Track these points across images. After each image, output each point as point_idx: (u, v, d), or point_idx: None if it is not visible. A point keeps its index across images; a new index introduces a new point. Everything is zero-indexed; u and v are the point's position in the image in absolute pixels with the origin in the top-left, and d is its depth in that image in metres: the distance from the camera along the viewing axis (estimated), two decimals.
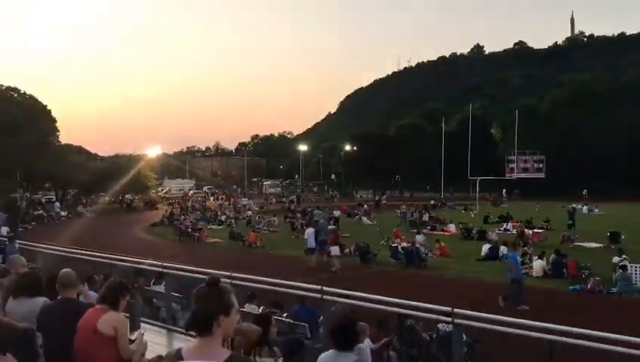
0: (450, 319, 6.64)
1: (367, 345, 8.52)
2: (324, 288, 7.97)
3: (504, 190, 78.31)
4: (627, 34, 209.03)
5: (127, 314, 6.42)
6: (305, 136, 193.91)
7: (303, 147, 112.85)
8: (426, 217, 41.64)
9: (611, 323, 13.10)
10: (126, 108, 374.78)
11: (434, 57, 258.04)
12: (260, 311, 9.93)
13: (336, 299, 8.13)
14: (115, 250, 18.05)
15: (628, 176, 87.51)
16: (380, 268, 22.81)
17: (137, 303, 8.41)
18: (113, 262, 12.19)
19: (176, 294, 10.62)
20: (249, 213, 50.60)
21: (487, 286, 18.70)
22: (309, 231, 24.65)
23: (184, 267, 10.86)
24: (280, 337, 6.37)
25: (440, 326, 9.11)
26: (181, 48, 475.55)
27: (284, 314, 10.55)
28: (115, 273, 10.77)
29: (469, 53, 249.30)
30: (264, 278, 9.66)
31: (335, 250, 23.98)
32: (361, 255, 24.48)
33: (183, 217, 43.07)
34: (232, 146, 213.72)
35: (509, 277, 16.73)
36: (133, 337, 5.24)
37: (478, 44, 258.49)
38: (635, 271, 17.94)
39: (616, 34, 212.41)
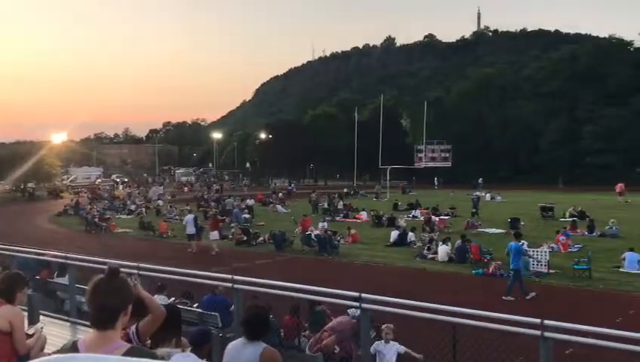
0: (357, 304, 6.84)
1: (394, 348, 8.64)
2: (235, 277, 7.98)
3: (435, 178, 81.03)
4: (528, 30, 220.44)
5: (26, 308, 6.17)
6: (219, 124, 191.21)
7: (217, 135, 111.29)
8: (340, 205, 42.28)
9: (508, 305, 13.98)
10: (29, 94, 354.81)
11: (347, 48, 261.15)
12: (171, 301, 9.82)
13: (246, 287, 8.17)
14: (15, 241, 17.17)
15: (528, 165, 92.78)
16: (293, 256, 23.02)
17: (36, 296, 8.07)
18: (11, 253, 11.60)
19: (82, 286, 10.28)
20: (160, 202, 49.40)
21: (395, 271, 19.32)
22: (189, 218, 25.91)
23: (89, 258, 10.51)
24: (190, 327, 6.34)
25: (350, 311, 9.36)
26: (88, 32, 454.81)
27: (195, 304, 10.47)
28: (13, 265, 10.27)
29: (381, 44, 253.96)
30: (173, 268, 9.53)
31: (214, 234, 24.46)
32: (276, 243, 24.60)
33: (89, 206, 41.48)
34: (142, 133, 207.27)
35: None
36: (31, 332, 5.05)
37: (390, 35, 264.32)
38: (533, 255, 19.11)
39: (518, 30, 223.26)
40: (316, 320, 10.21)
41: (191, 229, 25.23)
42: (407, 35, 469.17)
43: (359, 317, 7.82)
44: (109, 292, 2.70)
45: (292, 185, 61.21)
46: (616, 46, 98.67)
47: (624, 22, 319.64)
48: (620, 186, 48.18)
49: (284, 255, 23.28)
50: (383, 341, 8.34)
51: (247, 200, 43.80)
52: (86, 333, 2.88)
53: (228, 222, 33.59)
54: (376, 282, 16.44)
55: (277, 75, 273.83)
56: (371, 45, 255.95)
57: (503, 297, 15.22)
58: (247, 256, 22.69)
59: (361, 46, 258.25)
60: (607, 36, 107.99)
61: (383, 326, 8.17)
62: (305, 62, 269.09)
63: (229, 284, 8.03)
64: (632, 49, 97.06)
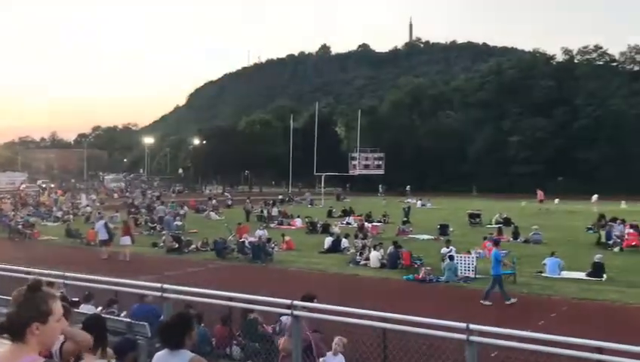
0: (290, 311, 6.84)
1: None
2: (165, 286, 7.82)
3: (380, 185, 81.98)
4: (458, 42, 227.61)
5: None
6: (151, 129, 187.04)
7: (148, 140, 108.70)
8: (274, 212, 42.18)
9: (438, 309, 14.29)
10: None
11: (283, 55, 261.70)
12: (98, 311, 9.51)
13: (177, 296, 8.03)
14: None
15: (456, 173, 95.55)
16: (227, 264, 22.78)
17: None
18: None
19: (4, 297, 9.80)
20: (88, 208, 47.80)
21: (329, 278, 19.44)
22: (99, 224, 25.62)
23: (9, 267, 10.04)
24: (116, 337, 6.17)
25: (283, 318, 9.34)
26: (12, 28, 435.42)
27: (123, 313, 10.19)
28: None
29: (316, 52, 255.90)
30: (101, 277, 9.24)
31: (125, 239, 24.33)
32: (217, 250, 24.31)
33: (13, 213, 39.67)
34: (71, 137, 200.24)
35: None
36: None
37: (325, 44, 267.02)
38: (461, 261, 19.69)
39: (449, 42, 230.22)
40: (248, 328, 10.13)
41: (103, 235, 24.98)
42: (342, 43, 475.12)
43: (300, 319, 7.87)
44: (22, 304, 2.62)
45: (229, 196, 59.19)
46: (540, 60, 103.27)
47: (547, 36, 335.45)
48: (540, 194, 50.33)
49: (218, 262, 23.00)
50: (331, 352, 8.22)
51: (178, 208, 43.03)
52: (2, 345, 2.76)
53: (159, 230, 32.95)
54: (310, 289, 16.47)
55: (211, 80, 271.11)
56: (307, 53, 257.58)
57: (481, 301, 15.54)
58: (179, 264, 22.28)
59: (296, 53, 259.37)
60: (531, 50, 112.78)
61: (336, 339, 8.11)
62: (240, 68, 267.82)
63: (159, 293, 7.85)
64: (554, 63, 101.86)
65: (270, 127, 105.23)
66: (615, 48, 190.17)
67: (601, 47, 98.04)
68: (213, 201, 51.43)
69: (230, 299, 8.12)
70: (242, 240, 24.69)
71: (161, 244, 27.11)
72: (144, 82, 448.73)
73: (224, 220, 39.68)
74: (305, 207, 56.04)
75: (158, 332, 4.56)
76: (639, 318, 13.99)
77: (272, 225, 36.70)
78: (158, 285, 7.93)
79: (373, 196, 68.93)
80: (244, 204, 45.07)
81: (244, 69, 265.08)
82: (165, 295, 7.71)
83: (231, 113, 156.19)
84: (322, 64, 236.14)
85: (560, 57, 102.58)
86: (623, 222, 29.36)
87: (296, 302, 6.69)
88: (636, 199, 63.83)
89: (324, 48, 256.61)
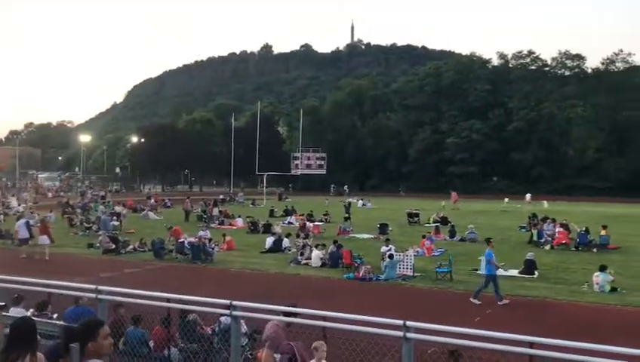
0: (229, 311, 6.77)
1: None
2: (100, 287, 7.60)
3: (332, 185, 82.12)
4: (398, 45, 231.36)
5: None
6: (87, 126, 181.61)
7: (84, 138, 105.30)
8: (215, 211, 41.70)
9: (377, 307, 14.48)
10: None
11: (225, 53, 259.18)
12: (29, 313, 9.16)
13: (112, 298, 7.82)
14: None
15: (396, 173, 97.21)
16: (165, 264, 22.36)
17: None
18: None
19: None
20: (21, 208, 45.88)
21: (270, 278, 19.38)
22: (20, 223, 25.04)
23: None
24: (48, 341, 5.96)
25: (222, 318, 9.24)
26: None
27: (55, 316, 9.85)
28: None
29: (259, 51, 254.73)
30: (32, 279, 8.89)
31: (44, 239, 23.95)
32: (155, 251, 23.78)
33: None
34: (1, 134, 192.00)
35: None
36: None
37: (267, 43, 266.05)
38: (400, 259, 20.00)
39: (389, 44, 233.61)
40: (187, 330, 9.98)
41: (23, 234, 24.44)
42: (284, 43, 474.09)
43: (278, 322, 7.76)
44: None
45: (169, 201, 56.99)
46: (476, 63, 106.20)
47: (483, 40, 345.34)
48: (454, 195, 51.63)
49: (156, 263, 22.54)
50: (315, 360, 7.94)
51: (116, 207, 41.91)
52: None
53: (95, 230, 31.99)
54: (251, 289, 16.42)
55: (151, 77, 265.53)
56: (249, 52, 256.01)
57: (471, 299, 15.68)
58: (116, 265, 21.71)
59: (238, 52, 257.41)
60: (468, 54, 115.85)
61: (316, 344, 7.84)
62: (181, 66, 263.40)
63: (93, 295, 7.62)
64: (490, 67, 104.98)
65: (211, 126, 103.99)
66: (547, 54, 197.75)
67: (534, 52, 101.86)
68: (152, 201, 50.40)
69: (168, 300, 7.96)
70: (181, 240, 24.28)
71: (97, 245, 26.36)
72: (80, 78, 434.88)
73: (163, 220, 38.96)
74: (246, 206, 55.69)
75: (62, 340, 4.39)
76: (569, 313, 14.58)
77: (212, 225, 36.29)
78: (93, 286, 7.69)
79: (319, 196, 69.17)
80: (183, 203, 44.33)
81: (185, 66, 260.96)
82: (100, 296, 7.49)
83: (171, 111, 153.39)
84: (264, 63, 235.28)
85: (495, 61, 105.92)
86: (554, 221, 30.57)
87: (235, 303, 6.63)
88: (565, 199, 66.80)
89: (266, 47, 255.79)
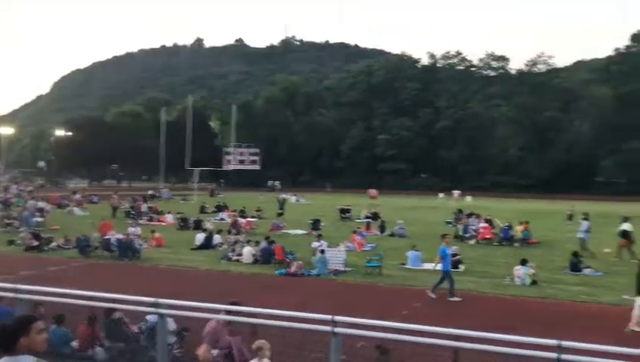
0: (154, 309, 6.66)
1: None
2: (19, 286, 7.30)
3: (277, 181, 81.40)
4: (331, 42, 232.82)
5: None
6: (9, 118, 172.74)
7: (6, 130, 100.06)
8: (144, 208, 40.72)
9: (307, 302, 14.54)
10: None
11: (156, 45, 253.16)
12: None
13: (33, 297, 7.52)
14: None
15: (329, 170, 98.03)
16: (91, 262, 21.65)
17: None
18: None
19: None
20: None
21: (200, 275, 19.13)
22: None
23: None
24: None
25: (149, 317, 9.07)
26: None
27: None
28: None
29: (191, 45, 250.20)
30: None
31: None
32: (80, 248, 22.93)
33: None
34: None
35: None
36: None
37: (199, 37, 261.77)
38: (331, 254, 20.18)
39: (323, 41, 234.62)
40: (113, 328, 9.73)
41: None
42: (217, 37, 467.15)
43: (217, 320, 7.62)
44: None
45: (96, 197, 54.54)
46: (406, 63, 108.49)
47: (414, 40, 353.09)
48: (372, 192, 52.44)
49: (81, 261, 21.79)
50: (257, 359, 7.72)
51: (39, 203, 40.18)
52: None
53: (17, 226, 30.59)
54: (179, 286, 16.16)
55: (79, 69, 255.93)
56: (180, 45, 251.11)
57: (448, 298, 15.71)
58: (39, 263, 20.82)
59: (170, 44, 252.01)
60: (399, 53, 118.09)
61: (259, 343, 7.67)
62: (110, 57, 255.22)
63: (12, 294, 7.31)
64: (419, 66, 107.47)
65: (141, 119, 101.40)
66: (474, 55, 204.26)
67: (461, 53, 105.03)
68: (77, 196, 48.67)
69: (91, 298, 7.74)
70: (107, 237, 23.57)
71: (19, 242, 25.20)
72: (2, 68, 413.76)
73: (89, 216, 37.73)
74: (177, 202, 54.70)
75: None
76: (492, 306, 15.13)
77: (141, 222, 35.42)
78: (11, 286, 7.38)
79: (252, 191, 68.83)
80: (109, 199, 43.02)
81: (115, 58, 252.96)
82: (20, 296, 7.19)
83: (99, 103, 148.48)
84: (196, 57, 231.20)
85: (425, 61, 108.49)
86: (478, 216, 31.68)
87: (161, 300, 6.52)
88: (487, 195, 69.38)
89: (199, 41, 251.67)
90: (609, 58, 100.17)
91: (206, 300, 7.68)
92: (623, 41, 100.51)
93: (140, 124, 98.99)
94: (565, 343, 5.57)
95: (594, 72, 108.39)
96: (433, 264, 20.59)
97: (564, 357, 5.54)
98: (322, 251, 19.74)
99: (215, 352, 8.05)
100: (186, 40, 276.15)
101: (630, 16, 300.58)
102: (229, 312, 7.53)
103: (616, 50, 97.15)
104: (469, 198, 59.56)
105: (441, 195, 63.47)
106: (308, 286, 17.54)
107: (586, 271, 19.78)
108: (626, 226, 23.93)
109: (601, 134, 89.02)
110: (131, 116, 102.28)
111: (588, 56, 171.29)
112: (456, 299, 15.54)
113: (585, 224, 24.84)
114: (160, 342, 6.61)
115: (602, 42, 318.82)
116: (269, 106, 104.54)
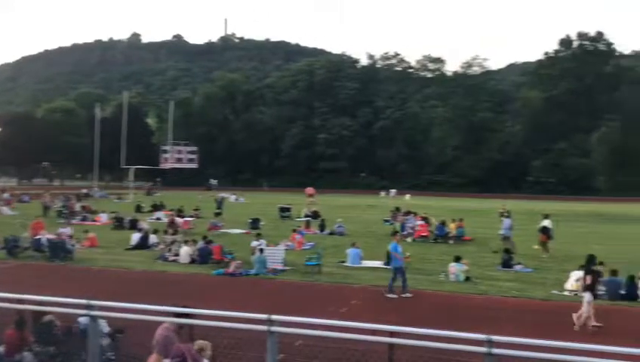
0: (87, 311, 6.47)
1: None
2: None
3: (214, 180, 79.95)
4: (272, 40, 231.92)
5: None
6: None
7: None
8: (77, 207, 39.44)
9: (244, 302, 14.49)
10: None
11: (90, 40, 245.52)
12: None
13: None
14: None
15: (269, 168, 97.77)
16: (20, 263, 20.80)
17: None
18: None
19: None
20: None
21: (135, 276, 18.71)
22: None
23: None
24: None
25: (80, 319, 8.80)
26: None
27: None
28: None
29: (127, 39, 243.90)
30: None
31: None
32: (8, 249, 21.95)
33: None
34: None
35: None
36: None
37: (136, 31, 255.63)
38: (271, 253, 20.15)
39: (263, 39, 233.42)
40: (43, 332, 9.39)
41: None
42: (155, 32, 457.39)
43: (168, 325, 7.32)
44: None
45: (26, 196, 51.34)
46: (346, 63, 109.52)
47: (354, 41, 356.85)
48: (309, 190, 52.32)
49: (9, 262, 20.90)
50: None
51: None
52: None
53: None
54: (114, 287, 15.77)
55: (7, 63, 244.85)
56: (116, 39, 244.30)
57: (402, 295, 15.79)
58: None
59: (105, 39, 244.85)
60: (339, 53, 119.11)
61: (202, 344, 7.45)
62: (41, 51, 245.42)
63: None
64: (359, 66, 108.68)
65: (73, 116, 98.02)
66: (412, 56, 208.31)
67: (399, 55, 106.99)
68: (5, 195, 46.63)
69: (20, 301, 7.44)
70: (38, 237, 22.71)
71: None
72: None
73: (18, 215, 36.24)
74: (111, 201, 53.27)
75: None
76: (427, 302, 15.49)
77: (74, 221, 34.33)
78: None
79: (190, 190, 67.88)
80: (41, 198, 41.45)
81: (47, 52, 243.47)
82: None
83: (29, 99, 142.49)
84: (133, 52, 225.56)
85: (364, 62, 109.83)
86: (415, 214, 32.34)
87: (93, 302, 6.34)
88: (425, 194, 70.98)
89: (135, 36, 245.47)
90: (539, 62, 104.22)
91: (141, 301, 7.51)
92: (552, 46, 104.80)
93: (72, 121, 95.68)
94: (495, 337, 5.74)
95: (525, 75, 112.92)
96: (371, 261, 21.02)
97: (494, 351, 5.71)
98: (261, 250, 19.68)
99: None
100: (122, 35, 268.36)
101: (559, 22, 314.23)
102: (177, 316, 7.30)
103: (546, 54, 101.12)
104: (408, 197, 60.86)
105: (382, 194, 64.59)
106: (246, 285, 17.45)
107: (517, 267, 20.52)
108: (545, 223, 25.01)
109: (532, 135, 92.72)
110: (63, 112, 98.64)
111: (520, 59, 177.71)
112: (392, 295, 15.81)
113: (507, 222, 25.76)
114: (91, 345, 6.43)
115: (534, 46, 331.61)
116: (208, 104, 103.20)
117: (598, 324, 12.65)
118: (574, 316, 13.05)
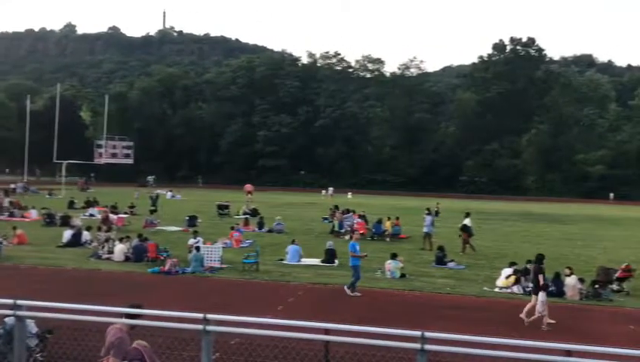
0: (12, 312, 6.26)
1: None
2: None
3: (150, 177, 77.78)
4: (211, 35, 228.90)
5: None
6: None
7: None
8: (6, 202, 37.78)
9: (180, 301, 14.31)
10: None
11: (21, 29, 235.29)
12: None
13: None
14: None
15: (208, 164, 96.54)
16: None
17: None
18: None
19: None
20: None
21: (67, 274, 18.16)
22: None
23: None
24: None
25: (7, 319, 8.50)
26: None
27: None
28: None
29: (60, 30, 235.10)
30: None
31: None
32: None
33: None
34: None
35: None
36: None
37: (70, 22, 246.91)
38: (207, 251, 19.94)
39: (202, 34, 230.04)
40: None
41: None
42: (90, 23, 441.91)
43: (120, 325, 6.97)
44: None
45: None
46: (287, 60, 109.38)
47: (295, 39, 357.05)
48: (248, 187, 51.93)
49: None
50: None
51: None
52: None
53: None
54: (43, 286, 15.26)
55: None
56: (49, 29, 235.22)
57: (350, 293, 15.71)
58: None
59: (37, 29, 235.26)
60: (280, 50, 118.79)
61: (139, 343, 7.14)
62: None
63: None
64: (300, 65, 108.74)
65: (3, 108, 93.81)
66: (351, 56, 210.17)
67: (339, 54, 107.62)
68: None
69: None
70: None
71: None
72: None
73: None
74: (43, 196, 51.32)
75: None
76: (364, 299, 15.64)
77: (1, 217, 32.95)
78: None
79: (127, 186, 66.24)
80: None
81: None
82: None
83: None
84: (67, 43, 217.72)
85: (305, 60, 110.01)
86: (353, 212, 32.74)
87: (20, 302, 6.14)
88: (363, 192, 71.95)
89: (70, 26, 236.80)
90: (474, 65, 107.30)
91: (73, 301, 7.33)
92: (486, 50, 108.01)
93: (1, 113, 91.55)
94: (428, 334, 5.92)
95: (460, 78, 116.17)
96: (310, 259, 21.17)
97: (427, 347, 5.88)
98: (197, 248, 19.48)
99: None
100: (56, 25, 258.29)
101: (493, 26, 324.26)
102: (132, 315, 6.99)
103: (481, 57, 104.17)
104: (350, 195, 61.78)
105: (323, 192, 65.19)
106: (182, 284, 17.23)
107: (451, 264, 21.13)
108: (466, 221, 25.92)
109: (466, 136, 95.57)
110: None
111: (456, 62, 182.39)
112: (357, 293, 15.83)
113: (428, 219, 26.50)
114: (17, 346, 6.23)
115: (469, 50, 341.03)
116: (145, 98, 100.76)
117: (552, 321, 13.14)
118: (524, 311, 13.48)
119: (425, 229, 26.08)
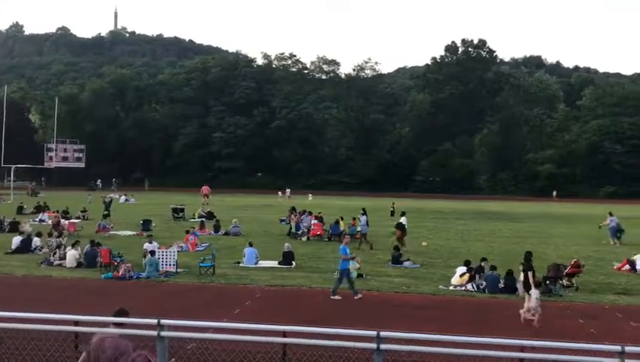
0: None
1: None
2: None
3: (99, 180, 75.79)
4: (164, 36, 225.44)
5: None
6: None
7: None
8: None
9: (133, 306, 14.07)
10: None
11: None
12: None
13: None
14: None
15: (161, 167, 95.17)
16: None
17: None
18: None
19: None
20: None
21: (15, 281, 17.63)
22: None
23: None
24: None
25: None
26: None
27: None
28: None
29: (7, 30, 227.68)
30: None
31: None
32: None
33: None
34: None
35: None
36: None
37: (17, 22, 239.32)
38: (163, 255, 19.64)
39: (155, 34, 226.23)
40: None
41: None
42: (38, 23, 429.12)
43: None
44: None
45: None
46: (242, 61, 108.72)
47: (249, 40, 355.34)
48: (205, 189, 51.49)
49: None
50: None
51: None
52: None
53: None
54: None
55: None
56: None
57: (331, 296, 15.53)
58: None
59: None
60: (234, 51, 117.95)
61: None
62: None
63: None
64: (255, 66, 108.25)
65: None
66: (307, 57, 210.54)
67: (295, 55, 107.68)
68: None
69: None
70: None
71: None
72: None
73: None
74: None
75: None
76: (322, 300, 15.73)
77: None
78: None
79: (79, 190, 64.57)
80: None
81: None
82: None
83: None
84: (13, 44, 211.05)
85: (260, 61, 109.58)
86: (310, 213, 32.82)
87: None
88: (320, 193, 72.14)
89: (17, 26, 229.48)
90: (427, 66, 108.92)
91: (22, 309, 7.14)
92: (439, 51, 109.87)
93: None
94: (384, 333, 6.00)
95: (414, 79, 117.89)
96: (267, 261, 21.13)
97: (382, 346, 5.95)
98: (152, 252, 19.18)
99: None
100: (2, 25, 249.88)
101: (446, 28, 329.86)
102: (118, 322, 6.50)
103: (433, 59, 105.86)
104: (310, 197, 62.06)
105: (280, 193, 65.28)
106: (136, 289, 16.95)
107: (406, 263, 21.40)
108: (402, 220, 26.66)
109: (420, 136, 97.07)
110: None
111: (409, 63, 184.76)
112: (337, 297, 15.70)
113: (363, 219, 27.11)
114: None
115: (422, 51, 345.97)
116: (96, 100, 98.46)
117: (532, 318, 13.37)
118: (521, 312, 13.68)
119: (359, 228, 26.65)
